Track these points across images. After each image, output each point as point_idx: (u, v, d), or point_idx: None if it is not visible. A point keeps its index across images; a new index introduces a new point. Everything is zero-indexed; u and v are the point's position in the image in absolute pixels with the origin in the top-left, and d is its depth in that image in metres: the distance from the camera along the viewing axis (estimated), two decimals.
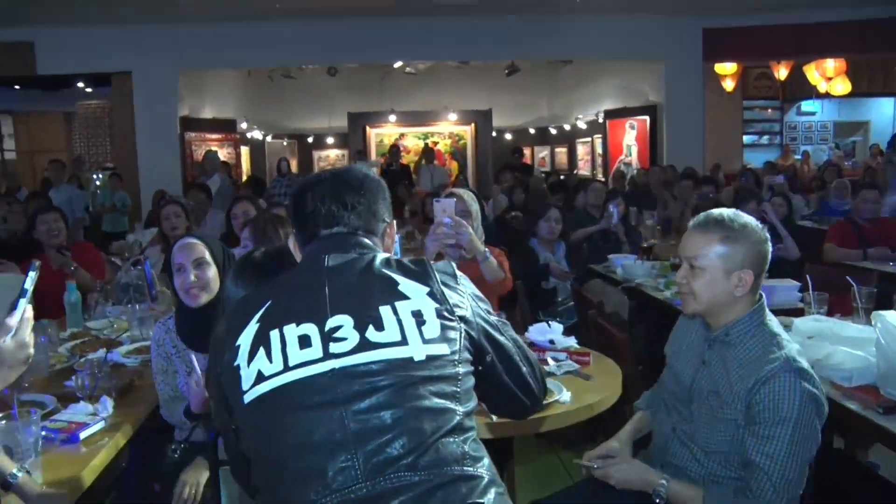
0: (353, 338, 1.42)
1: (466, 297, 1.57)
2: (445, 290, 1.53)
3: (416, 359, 1.42)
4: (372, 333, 1.43)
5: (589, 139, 13.94)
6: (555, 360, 2.77)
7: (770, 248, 1.99)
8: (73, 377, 2.51)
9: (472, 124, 14.34)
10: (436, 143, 14.34)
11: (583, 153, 14.39)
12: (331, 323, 1.44)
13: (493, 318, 1.64)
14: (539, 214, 4.92)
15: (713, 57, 11.52)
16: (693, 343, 2.12)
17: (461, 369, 1.48)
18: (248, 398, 1.42)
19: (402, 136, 14.39)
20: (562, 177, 11.69)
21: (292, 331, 1.44)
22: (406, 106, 14.48)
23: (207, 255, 2.61)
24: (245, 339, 1.46)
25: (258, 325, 1.46)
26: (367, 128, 14.31)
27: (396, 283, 1.50)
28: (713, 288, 1.95)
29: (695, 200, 6.74)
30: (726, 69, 12.26)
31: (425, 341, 1.44)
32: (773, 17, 10.66)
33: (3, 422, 1.89)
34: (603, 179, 12.34)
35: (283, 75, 13.36)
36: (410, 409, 1.39)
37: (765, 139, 15.04)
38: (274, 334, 1.44)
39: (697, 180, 7.68)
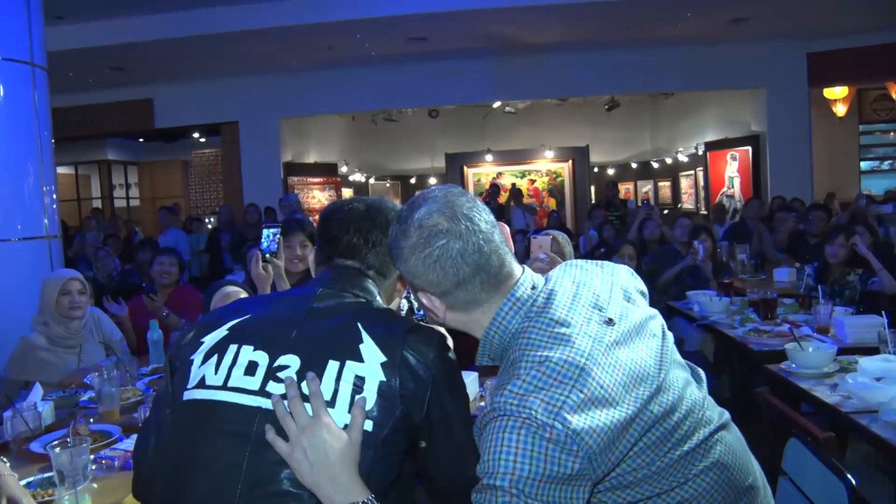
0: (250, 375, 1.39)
1: (430, 380, 1.40)
2: (406, 366, 1.39)
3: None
4: (303, 385, 1.35)
5: (692, 172, 13.63)
6: None
7: None
8: (139, 409, 2.68)
9: (570, 161, 14.29)
10: (532, 181, 14.36)
11: (686, 186, 14.07)
12: (281, 360, 1.38)
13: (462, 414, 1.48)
14: (613, 251, 4.85)
15: (819, 81, 11.10)
16: None
17: (371, 452, 1.33)
18: (186, 396, 1.40)
19: (499, 174, 14.50)
20: (665, 211, 11.45)
21: (247, 353, 1.40)
22: (506, 145, 14.61)
23: None
24: (210, 340, 1.45)
25: (227, 332, 1.45)
26: (465, 167, 14.50)
27: (360, 341, 1.40)
28: None
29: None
30: (836, 93, 11.79)
31: (350, 410, 1.34)
32: (883, 35, 10.18)
33: (58, 449, 2.04)
34: (705, 212, 12.06)
35: (386, 119, 13.76)
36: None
37: (886, 164, 14.25)
38: (232, 348, 1.42)
39: (795, 211, 7.40)
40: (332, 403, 1.34)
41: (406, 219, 1.40)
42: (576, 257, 3.91)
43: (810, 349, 3.09)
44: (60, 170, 12.96)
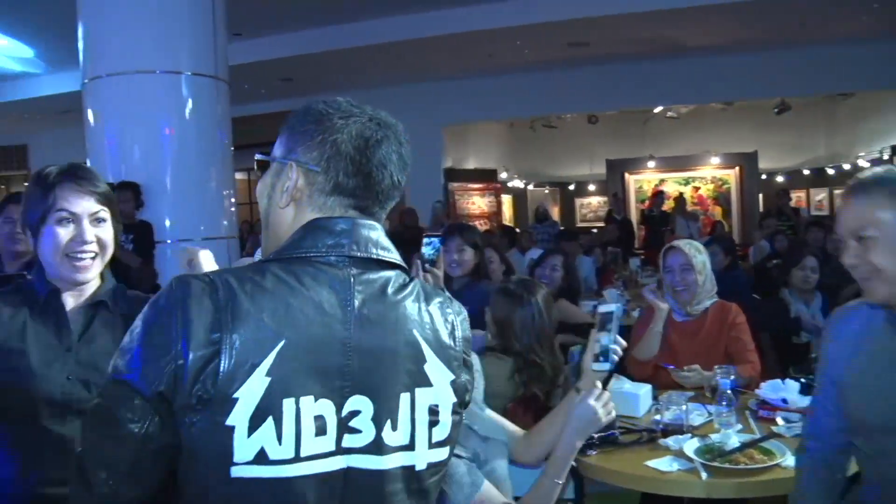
0: (369, 432, 1.13)
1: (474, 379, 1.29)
2: (467, 370, 1.25)
3: (417, 468, 1.17)
4: (387, 432, 1.14)
5: None
6: (786, 420, 2.59)
7: None
8: None
9: (737, 167, 13.67)
10: (697, 189, 13.85)
11: None
12: (349, 405, 1.12)
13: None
14: (793, 262, 4.57)
15: None
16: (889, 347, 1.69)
17: (441, 474, 1.23)
18: (236, 472, 1.05)
19: (662, 181, 14.08)
20: None
21: (309, 407, 1.08)
22: (667, 151, 14.17)
23: None
24: (248, 396, 1.05)
25: (269, 380, 1.05)
26: (626, 174, 14.19)
27: (423, 362, 1.18)
28: None
29: None
30: None
31: (431, 446, 1.18)
32: None
33: None
34: None
35: (545, 125, 13.71)
36: None
37: None
38: (288, 405, 1.07)
39: None
40: (411, 446, 1.16)
41: None
42: (745, 269, 3.74)
43: None
44: (236, 175, 13.81)
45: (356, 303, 1.13)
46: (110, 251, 1.78)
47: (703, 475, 2.19)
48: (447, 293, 1.32)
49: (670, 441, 2.46)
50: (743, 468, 2.21)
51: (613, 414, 2.03)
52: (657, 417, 2.63)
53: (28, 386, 1.66)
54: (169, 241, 5.27)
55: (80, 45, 5.36)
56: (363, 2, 8.41)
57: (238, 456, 1.05)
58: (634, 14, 8.35)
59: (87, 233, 1.71)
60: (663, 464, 2.31)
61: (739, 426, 2.54)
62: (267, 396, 1.05)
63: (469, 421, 2.12)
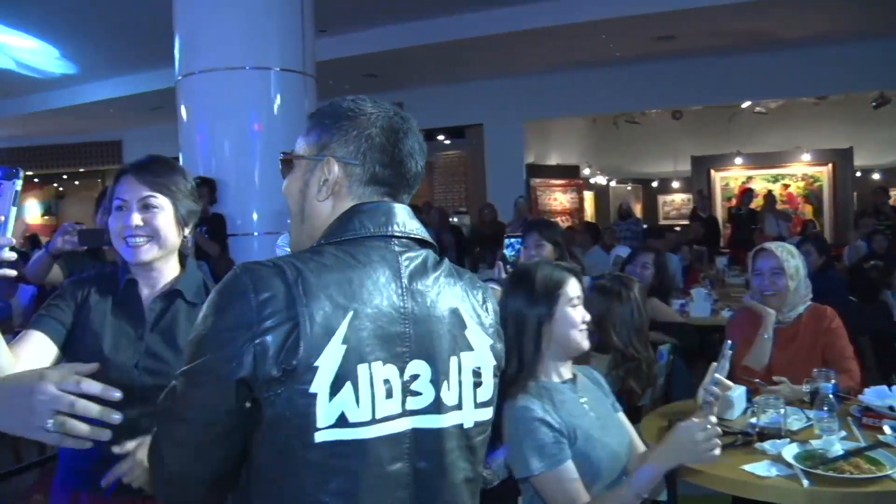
0: (429, 394, 1.23)
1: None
2: (499, 343, 1.36)
3: (465, 426, 1.28)
4: (444, 393, 1.25)
5: None
6: (893, 429, 2.45)
7: None
8: None
9: (830, 164, 13.14)
10: (787, 186, 13.39)
11: None
12: (410, 369, 1.22)
13: None
14: (895, 263, 4.36)
15: None
16: None
17: (486, 434, 1.35)
18: (320, 437, 1.14)
19: (749, 178, 13.66)
20: None
21: (378, 371, 1.18)
22: (755, 147, 13.72)
23: None
24: (328, 363, 1.13)
25: (344, 347, 1.15)
26: (712, 171, 13.83)
27: (465, 328, 1.29)
28: None
29: None
30: None
31: (476, 406, 1.29)
32: None
33: None
34: None
35: (628, 121, 13.48)
36: (451, 482, 1.27)
37: None
38: (363, 370, 1.16)
39: None
40: (459, 406, 1.27)
41: None
42: (839, 269, 3.59)
43: None
44: None
45: (405, 276, 1.24)
46: (166, 237, 1.82)
47: (805, 482, 2.09)
48: (472, 273, 1.41)
49: (767, 445, 2.37)
50: (849, 477, 2.08)
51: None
52: (753, 420, 2.53)
53: (102, 367, 1.75)
54: (256, 234, 5.38)
55: (176, 43, 5.52)
56: None
57: (321, 421, 1.14)
58: (725, 6, 8.12)
59: (132, 217, 1.79)
60: (761, 468, 2.22)
61: (843, 433, 2.43)
62: (344, 363, 1.15)
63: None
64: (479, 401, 1.29)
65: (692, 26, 9.00)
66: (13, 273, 1.44)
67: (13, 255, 1.37)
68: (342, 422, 1.15)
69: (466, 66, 10.62)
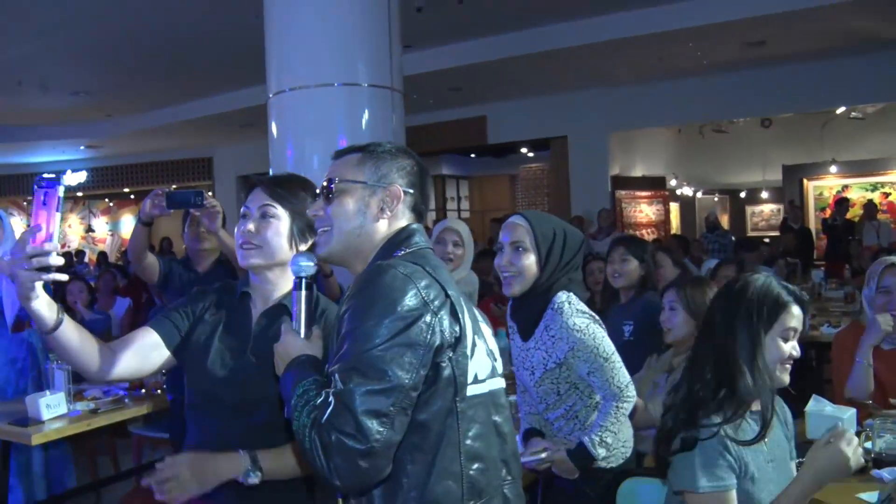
0: (492, 360, 1.56)
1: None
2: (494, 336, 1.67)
3: (503, 388, 1.60)
4: (496, 360, 1.59)
5: None
6: None
7: None
8: None
9: None
10: (887, 195, 12.78)
11: None
12: (484, 341, 1.56)
13: None
14: None
15: None
16: None
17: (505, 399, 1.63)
18: (470, 391, 1.47)
19: (845, 187, 13.12)
20: None
21: (480, 340, 1.53)
22: (851, 154, 13.17)
23: None
24: (468, 332, 1.47)
25: (469, 321, 1.50)
26: (805, 180, 13.35)
27: (480, 316, 1.63)
28: None
29: None
30: None
31: (500, 375, 1.59)
32: None
33: None
34: None
35: (715, 130, 13.18)
36: (513, 433, 1.59)
37: None
38: (478, 341, 1.51)
39: None
40: (496, 371, 1.57)
41: None
42: None
43: None
44: None
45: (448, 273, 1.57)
46: (275, 248, 1.86)
47: None
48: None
49: (885, 473, 2.25)
50: None
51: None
52: (868, 445, 2.41)
53: (202, 378, 1.86)
54: None
55: (267, 62, 5.64)
56: (531, 10, 8.39)
57: (469, 378, 1.46)
58: (819, 8, 7.82)
59: (248, 223, 1.86)
60: (877, 497, 2.11)
61: None
62: (471, 332, 1.48)
63: None
64: (498, 373, 1.58)
65: (784, 30, 8.70)
66: (64, 277, 1.55)
67: (60, 261, 1.45)
68: (475, 379, 1.47)
69: (551, 78, 10.55)
